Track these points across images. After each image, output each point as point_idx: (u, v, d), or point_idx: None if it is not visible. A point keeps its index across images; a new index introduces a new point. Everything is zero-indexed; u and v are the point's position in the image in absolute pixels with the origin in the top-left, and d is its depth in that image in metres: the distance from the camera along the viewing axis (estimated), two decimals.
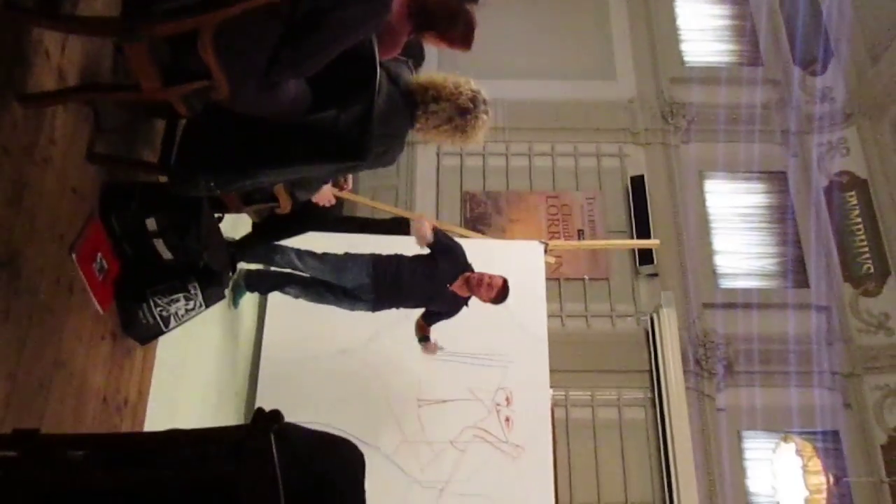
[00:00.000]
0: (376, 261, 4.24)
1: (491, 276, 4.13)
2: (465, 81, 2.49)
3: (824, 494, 4.69)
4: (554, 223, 7.28)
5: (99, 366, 2.56)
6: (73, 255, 2.36)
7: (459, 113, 2.45)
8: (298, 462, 1.28)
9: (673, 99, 7.90)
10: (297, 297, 4.31)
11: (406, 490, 4.41)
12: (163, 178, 2.72)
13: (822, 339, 7.08)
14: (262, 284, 4.42)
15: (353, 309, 4.23)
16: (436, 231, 4.21)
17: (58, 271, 2.30)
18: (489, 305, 4.37)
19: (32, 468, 1.27)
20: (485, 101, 2.50)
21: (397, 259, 4.27)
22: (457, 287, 4.15)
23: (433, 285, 4.15)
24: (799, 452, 4.80)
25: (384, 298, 4.17)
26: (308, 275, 4.27)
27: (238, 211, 3.04)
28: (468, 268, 4.21)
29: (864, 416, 6.77)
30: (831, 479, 4.73)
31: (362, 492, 1.34)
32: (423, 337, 4.32)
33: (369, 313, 4.30)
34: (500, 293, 4.13)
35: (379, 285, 4.15)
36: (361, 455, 1.38)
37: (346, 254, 4.26)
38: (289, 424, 1.36)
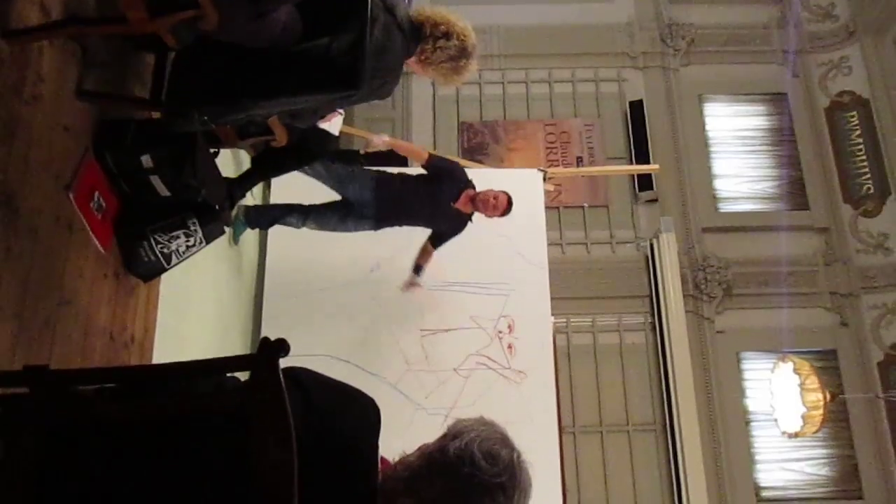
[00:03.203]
0: (379, 177, 4.28)
1: (496, 195, 4.22)
2: (467, 25, 2.56)
3: (821, 411, 4.78)
4: (552, 151, 7.23)
5: (103, 304, 2.58)
6: (70, 194, 2.35)
7: (464, 54, 2.51)
8: (313, 409, 1.29)
9: (672, 20, 7.73)
10: (298, 226, 4.31)
11: (412, 416, 4.50)
12: (156, 114, 2.69)
13: (820, 260, 7.12)
14: (263, 219, 4.41)
15: (356, 228, 4.24)
16: (430, 157, 4.27)
17: (56, 210, 2.29)
18: (490, 235, 4.41)
19: (43, 404, 1.28)
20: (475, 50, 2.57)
21: (400, 177, 4.33)
22: (461, 205, 4.22)
23: (436, 204, 4.21)
24: (796, 371, 4.87)
25: (386, 215, 4.21)
26: (306, 203, 4.29)
27: (233, 145, 3.01)
28: (469, 185, 4.25)
29: (862, 334, 6.85)
30: (828, 396, 4.81)
31: (377, 451, 1.34)
32: (418, 267, 4.40)
33: (371, 239, 4.34)
34: (505, 210, 4.24)
35: (381, 202, 4.18)
36: (379, 413, 1.38)
37: (352, 169, 4.33)
38: (303, 369, 1.36)
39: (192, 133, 2.60)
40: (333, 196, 4.32)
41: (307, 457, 1.19)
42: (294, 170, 3.94)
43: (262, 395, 1.20)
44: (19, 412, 1.27)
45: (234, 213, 4.22)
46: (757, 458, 6.57)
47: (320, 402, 1.32)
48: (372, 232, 4.35)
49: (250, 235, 4.62)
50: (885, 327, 6.87)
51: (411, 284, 4.45)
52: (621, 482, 6.34)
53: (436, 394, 4.63)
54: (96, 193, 2.50)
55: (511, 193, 4.38)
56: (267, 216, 4.41)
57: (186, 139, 2.62)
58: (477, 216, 4.31)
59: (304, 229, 4.36)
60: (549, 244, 5.11)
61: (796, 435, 5.17)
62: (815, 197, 7.27)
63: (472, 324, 4.79)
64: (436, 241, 4.36)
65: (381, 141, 4.26)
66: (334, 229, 4.29)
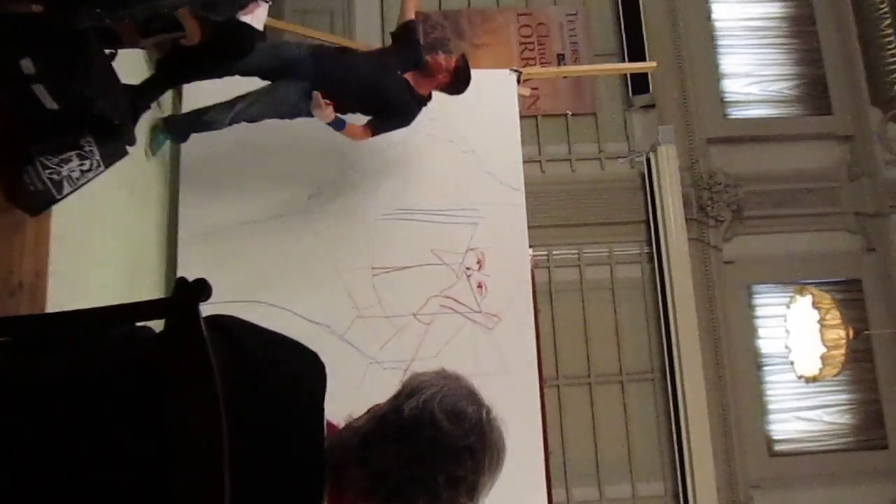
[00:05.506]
0: (318, 45, 4.41)
1: (447, 56, 4.32)
2: None
3: (843, 350, 4.94)
4: (528, 47, 7.16)
5: None
6: None
7: None
8: (244, 364, 1.29)
9: None
10: (224, 121, 4.22)
11: (364, 372, 4.53)
12: (37, 7, 2.60)
13: (844, 174, 7.24)
14: (184, 125, 4.36)
15: (293, 99, 4.17)
16: (413, 21, 4.37)
17: None
18: (454, 152, 4.38)
19: None
20: None
21: (342, 47, 4.45)
22: (411, 75, 4.25)
23: (383, 67, 4.23)
24: (816, 305, 5.02)
25: (325, 76, 4.16)
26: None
27: (134, 44, 2.94)
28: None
29: (890, 260, 7.04)
30: (851, 333, 4.97)
31: (322, 413, 1.35)
32: (341, 122, 4.21)
33: (310, 159, 4.34)
34: (457, 68, 4.25)
35: (319, 59, 4.20)
36: (324, 368, 1.38)
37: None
38: (229, 317, 1.36)
39: (82, 31, 2.53)
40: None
41: (238, 423, 1.19)
42: (211, 75, 3.87)
43: (180, 347, 1.20)
44: None
45: (151, 124, 4.20)
46: (769, 406, 6.80)
47: (253, 355, 1.32)
48: (312, 150, 4.31)
49: (160, 156, 4.56)
50: None
51: (320, 110, 4.12)
52: (614, 440, 6.52)
53: (392, 344, 4.66)
54: None
55: (478, 100, 4.36)
56: (186, 121, 4.37)
57: (76, 38, 2.54)
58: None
59: (232, 128, 4.28)
60: (525, 161, 5.11)
61: (814, 379, 5.36)
62: (839, 99, 7.35)
63: (433, 259, 4.80)
64: (376, 123, 4.30)
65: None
66: (270, 110, 4.20)
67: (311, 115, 4.14)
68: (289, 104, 4.20)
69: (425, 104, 4.34)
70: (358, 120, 4.33)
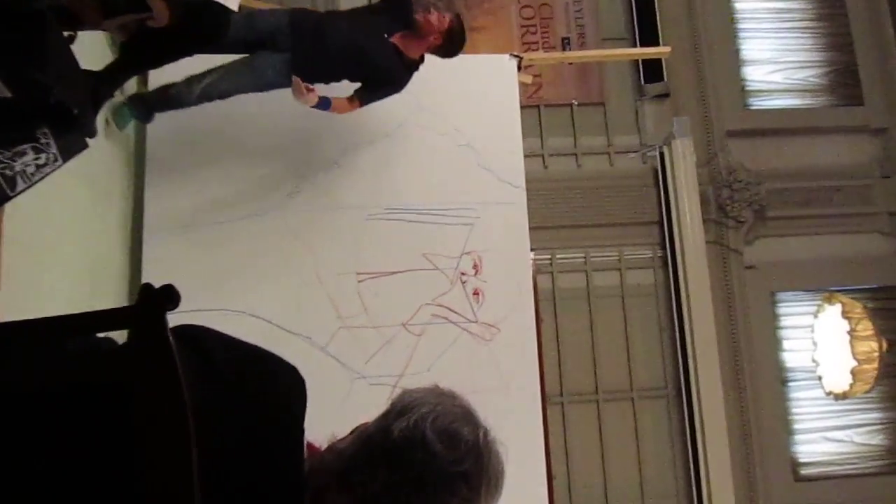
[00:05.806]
0: (296, 9, 4.41)
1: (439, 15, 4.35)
2: None
3: (875, 364, 4.97)
4: (530, 30, 7.18)
5: None
6: None
7: None
8: (216, 379, 1.29)
9: None
10: (193, 96, 4.25)
11: (348, 388, 4.54)
12: None
13: (876, 170, 7.26)
14: (150, 99, 4.40)
15: (270, 71, 4.19)
16: None
17: None
18: (447, 145, 4.39)
19: None
20: None
21: (324, 11, 4.52)
22: (400, 38, 4.29)
23: (367, 30, 4.26)
24: (846, 314, 5.04)
25: (305, 45, 4.21)
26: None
27: (96, 26, 2.93)
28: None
29: None
30: (884, 345, 5.00)
31: (302, 433, 1.34)
32: (326, 101, 4.28)
33: (290, 153, 4.29)
34: (451, 28, 4.30)
35: (297, 27, 4.22)
36: (304, 384, 1.38)
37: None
38: (200, 327, 1.36)
39: (38, 11, 2.52)
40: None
41: (209, 442, 1.19)
42: (178, 58, 3.87)
43: (145, 360, 1.19)
44: None
45: (114, 105, 4.22)
46: (795, 426, 6.81)
47: (225, 369, 1.32)
48: (292, 142, 4.31)
49: (123, 151, 4.56)
50: None
51: (302, 97, 4.15)
52: (623, 463, 6.53)
53: (379, 357, 4.67)
54: None
55: (475, 88, 4.36)
56: (152, 97, 4.40)
57: (31, 19, 2.54)
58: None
59: (203, 117, 4.30)
60: (526, 155, 5.12)
61: (844, 395, 5.38)
62: (871, 89, 7.38)
63: (425, 263, 4.81)
64: (364, 93, 4.34)
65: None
66: (244, 85, 4.23)
67: (290, 86, 4.17)
68: (266, 78, 4.23)
69: (416, 68, 4.36)
70: (344, 89, 4.34)
